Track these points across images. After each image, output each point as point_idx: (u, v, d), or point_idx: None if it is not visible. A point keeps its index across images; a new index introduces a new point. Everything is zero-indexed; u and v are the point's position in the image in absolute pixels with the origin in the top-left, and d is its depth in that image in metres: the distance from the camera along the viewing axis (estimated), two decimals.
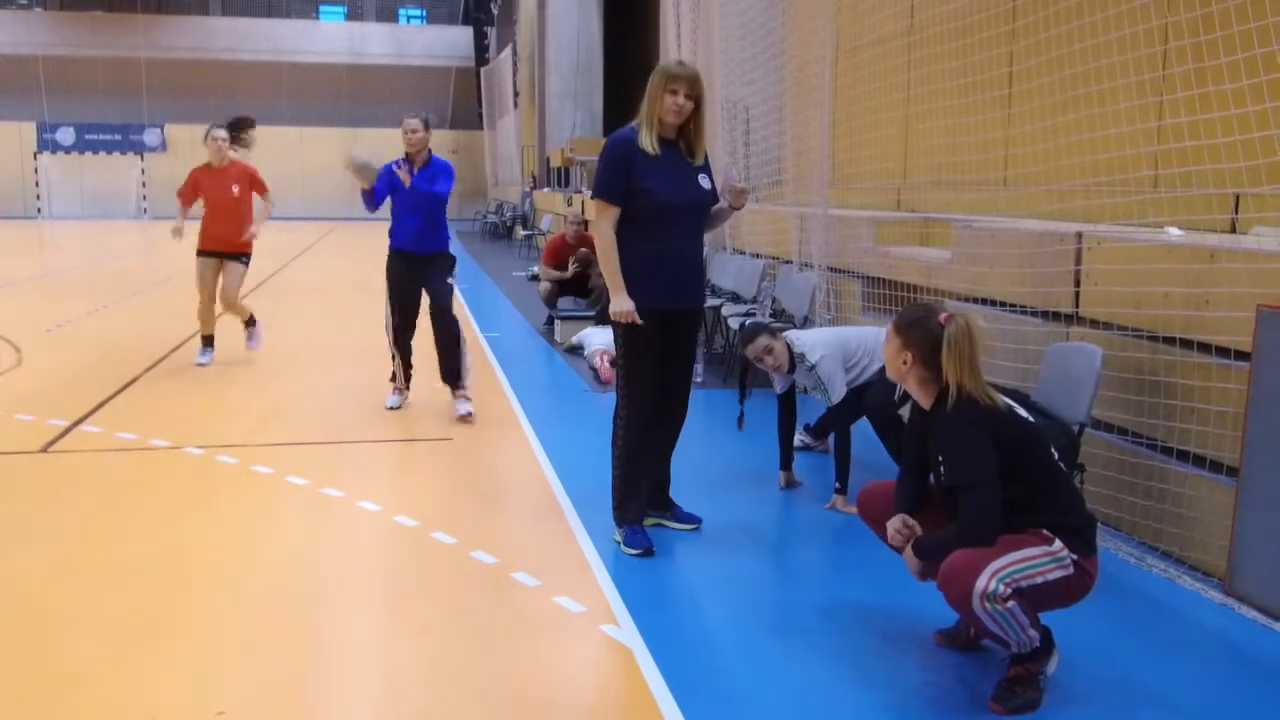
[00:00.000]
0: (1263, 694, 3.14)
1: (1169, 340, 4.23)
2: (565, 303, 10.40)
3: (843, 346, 5.01)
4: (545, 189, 25.14)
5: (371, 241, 6.09)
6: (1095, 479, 4.47)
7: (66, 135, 37.70)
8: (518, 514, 4.76)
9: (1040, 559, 2.90)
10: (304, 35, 40.35)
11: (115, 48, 38.27)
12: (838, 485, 4.82)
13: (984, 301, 5.49)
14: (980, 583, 2.83)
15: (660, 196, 4.11)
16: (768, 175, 9.28)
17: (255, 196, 8.25)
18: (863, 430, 4.92)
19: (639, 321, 4.12)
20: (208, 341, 8.36)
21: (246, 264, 8.29)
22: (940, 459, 3.07)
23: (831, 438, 5.10)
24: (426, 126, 6.44)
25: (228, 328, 8.76)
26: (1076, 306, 4.86)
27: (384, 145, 7.36)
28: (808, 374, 4.95)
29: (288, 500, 4.90)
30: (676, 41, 10.70)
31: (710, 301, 8.31)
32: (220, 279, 8.16)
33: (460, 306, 11.72)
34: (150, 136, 38.19)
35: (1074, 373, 4.26)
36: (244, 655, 3.30)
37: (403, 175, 6.36)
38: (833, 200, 7.84)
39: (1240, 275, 3.90)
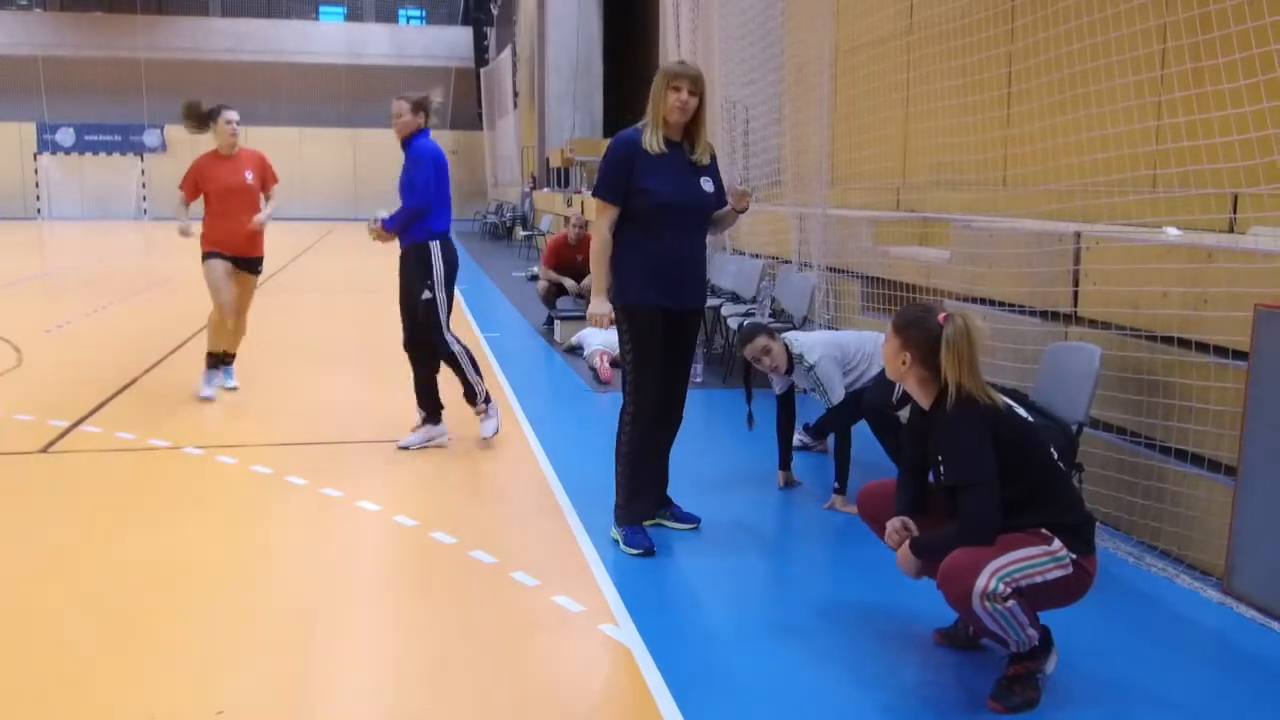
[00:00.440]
0: (1261, 693, 3.15)
1: (1167, 340, 4.24)
2: (565, 303, 10.40)
3: (842, 349, 5.01)
4: (545, 189, 25.15)
5: (371, 242, 6.00)
6: (1094, 478, 4.47)
7: (66, 136, 37.70)
8: (517, 514, 4.77)
9: (1040, 558, 2.90)
10: (303, 36, 40.34)
11: (115, 48, 38.27)
12: (837, 485, 4.83)
13: (983, 301, 5.49)
14: (980, 582, 2.83)
15: (659, 196, 4.11)
16: (767, 175, 9.28)
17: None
18: (862, 430, 4.92)
19: (609, 324, 4.21)
20: (220, 361, 7.14)
21: (259, 275, 7.19)
22: (940, 458, 3.07)
23: (831, 438, 5.10)
24: (416, 109, 5.65)
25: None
26: (1075, 306, 4.86)
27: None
28: (806, 375, 4.96)
29: (287, 500, 4.91)
30: (676, 41, 10.71)
31: (710, 301, 8.31)
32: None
33: (461, 311, 11.74)
34: (150, 137, 38.19)
35: (1072, 372, 4.26)
36: (244, 655, 3.30)
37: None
38: (832, 200, 7.84)
39: (1238, 275, 3.90)
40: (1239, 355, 3.89)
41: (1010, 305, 5.34)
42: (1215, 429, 3.96)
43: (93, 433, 6.12)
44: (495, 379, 7.94)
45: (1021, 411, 3.16)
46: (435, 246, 5.63)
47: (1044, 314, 5.09)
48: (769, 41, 9.15)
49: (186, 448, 5.77)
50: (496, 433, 5.92)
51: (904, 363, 3.13)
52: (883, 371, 4.77)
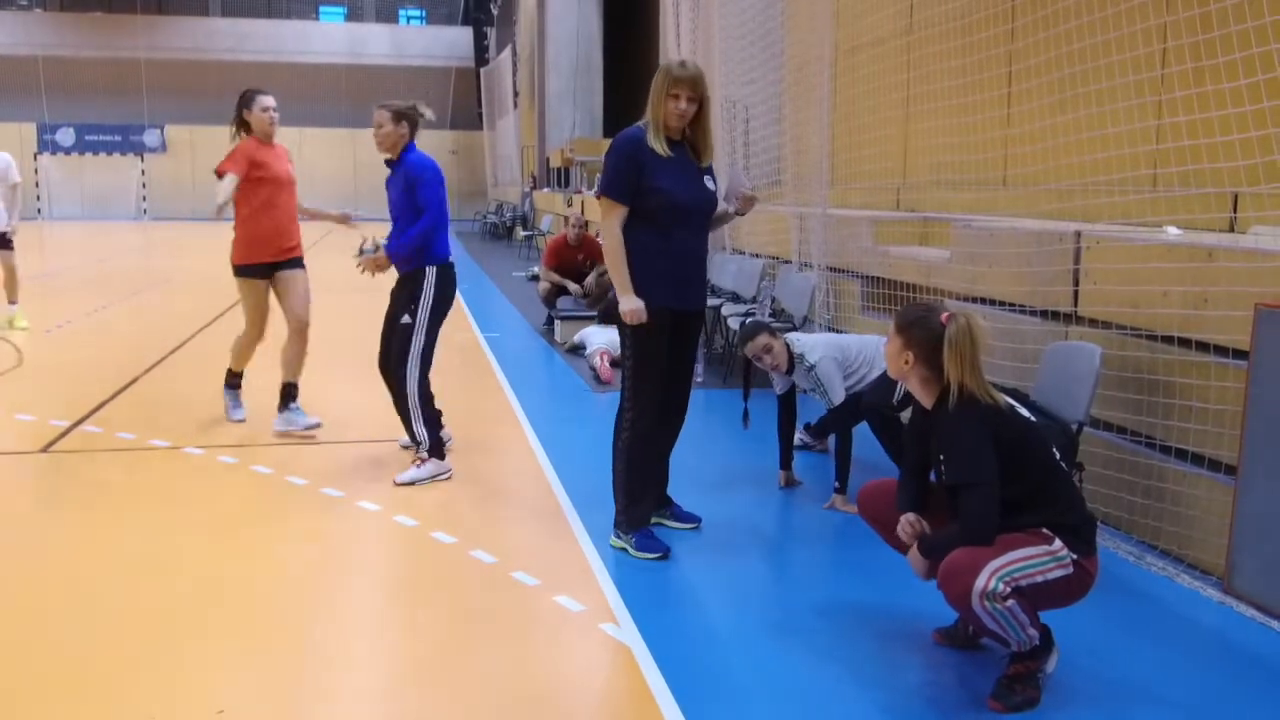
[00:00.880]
0: (1261, 692, 3.15)
1: (1168, 339, 4.24)
2: (565, 303, 10.41)
3: (843, 350, 5.02)
4: (545, 189, 25.14)
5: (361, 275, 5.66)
6: (1094, 478, 4.47)
7: (66, 136, 37.70)
8: (517, 513, 4.77)
9: (1040, 558, 2.90)
10: (303, 36, 40.35)
11: (115, 49, 38.27)
12: (837, 485, 4.83)
13: (983, 301, 5.49)
14: (980, 582, 2.83)
15: (673, 197, 4.08)
16: (767, 175, 9.28)
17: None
18: (863, 430, 4.92)
19: (645, 320, 4.06)
20: (239, 381, 6.47)
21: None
22: (941, 458, 3.07)
23: (831, 437, 5.10)
24: (397, 119, 5.16)
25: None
26: (1075, 306, 4.86)
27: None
28: (806, 375, 4.96)
29: (288, 500, 4.90)
30: (676, 41, 10.70)
31: (710, 301, 8.31)
32: (285, 298, 6.08)
33: (460, 311, 11.74)
34: (150, 137, 38.19)
35: (1073, 372, 4.26)
36: (244, 655, 3.30)
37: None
38: (832, 200, 7.84)
39: (1239, 274, 3.90)
40: (1239, 355, 3.89)
41: (1010, 305, 5.34)
42: (1215, 428, 3.96)
43: (93, 433, 6.12)
44: (496, 379, 7.95)
45: (1023, 411, 3.16)
46: (431, 273, 5.13)
47: (1044, 313, 5.09)
48: (769, 41, 9.14)
49: (186, 448, 5.77)
50: (413, 484, 5.07)
51: (906, 362, 3.13)
52: (884, 373, 4.78)
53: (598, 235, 10.94)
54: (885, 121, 8.46)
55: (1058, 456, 3.14)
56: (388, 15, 42.86)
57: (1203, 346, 4.10)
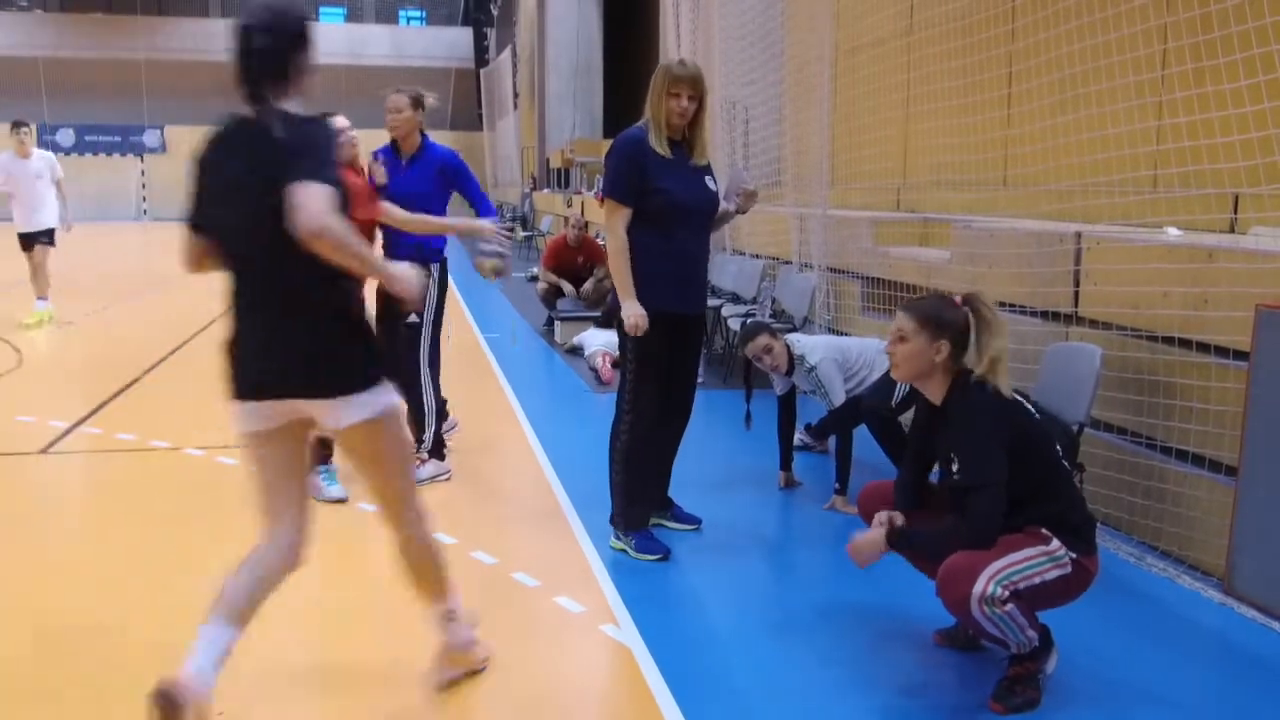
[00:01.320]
0: (1261, 693, 3.15)
1: (1168, 340, 4.23)
2: (565, 303, 10.41)
3: (843, 353, 5.02)
4: (545, 190, 25.15)
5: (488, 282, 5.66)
6: (1095, 479, 4.46)
7: (67, 137, 37.70)
8: (518, 514, 4.76)
9: (1038, 559, 2.90)
10: None
11: (115, 49, 38.28)
12: (837, 485, 4.83)
13: None
14: (978, 587, 2.82)
15: (676, 197, 4.07)
16: (767, 175, 9.28)
17: None
18: (863, 431, 4.92)
19: (646, 330, 4.03)
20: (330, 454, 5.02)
21: None
22: (952, 455, 3.04)
23: (832, 438, 5.10)
24: (416, 105, 5.05)
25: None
26: (1076, 306, 4.86)
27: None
28: (807, 376, 4.96)
29: None
30: (676, 41, 10.70)
31: (710, 302, 8.31)
32: None
33: (460, 312, 11.75)
34: (150, 138, 38.22)
35: (1073, 372, 4.26)
36: (244, 655, 3.29)
37: (377, 172, 4.99)
38: (832, 200, 7.84)
39: (1239, 275, 3.90)
40: (1240, 355, 3.89)
41: (1011, 305, 5.33)
42: (1216, 429, 3.95)
43: (93, 433, 6.12)
44: (496, 379, 7.95)
45: (1028, 407, 3.16)
46: (435, 270, 5.07)
47: (1044, 314, 5.08)
48: (769, 41, 9.14)
49: (186, 448, 5.77)
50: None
51: (939, 353, 3.09)
52: (884, 375, 4.78)
53: (597, 236, 10.95)
54: (885, 122, 8.46)
55: (1060, 454, 3.14)
56: (387, 16, 42.89)
57: (1203, 347, 4.09)
